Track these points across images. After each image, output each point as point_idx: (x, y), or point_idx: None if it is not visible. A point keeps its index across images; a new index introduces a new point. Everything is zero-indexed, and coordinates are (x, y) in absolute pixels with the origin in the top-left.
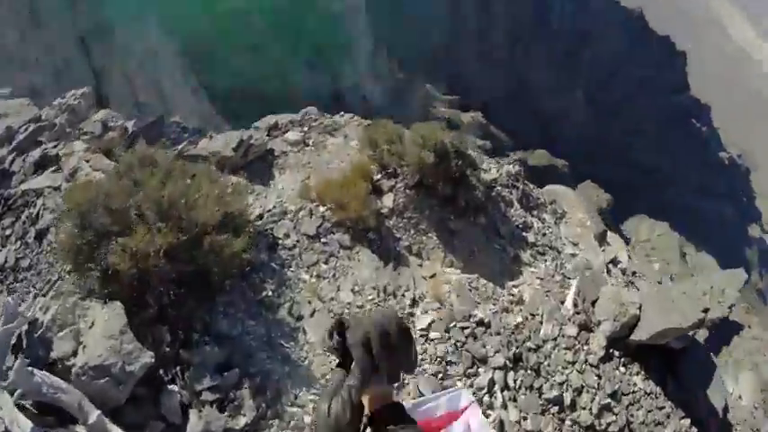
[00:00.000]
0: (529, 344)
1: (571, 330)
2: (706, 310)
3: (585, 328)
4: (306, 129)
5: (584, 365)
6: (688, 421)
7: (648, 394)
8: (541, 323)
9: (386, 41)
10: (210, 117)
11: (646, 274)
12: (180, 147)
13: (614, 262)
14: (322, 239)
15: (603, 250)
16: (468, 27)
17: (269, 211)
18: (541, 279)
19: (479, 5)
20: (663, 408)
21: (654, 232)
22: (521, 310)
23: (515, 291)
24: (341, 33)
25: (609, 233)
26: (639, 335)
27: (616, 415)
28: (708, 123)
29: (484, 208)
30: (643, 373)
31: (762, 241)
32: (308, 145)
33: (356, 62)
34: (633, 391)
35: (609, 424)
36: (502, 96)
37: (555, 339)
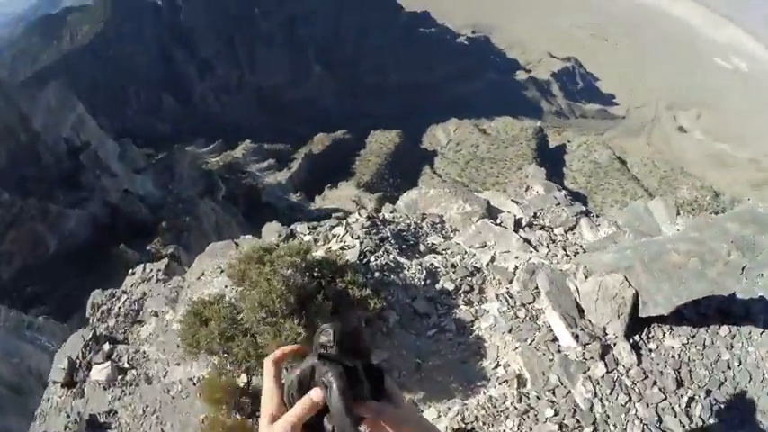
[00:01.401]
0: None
1: (599, 370)
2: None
3: (605, 351)
4: (109, 343)
5: (636, 388)
6: (726, 329)
7: (687, 344)
8: (570, 392)
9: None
10: None
11: (532, 203)
12: None
13: (517, 223)
14: None
15: (500, 223)
16: (179, 71)
17: None
18: (509, 332)
19: (173, 45)
20: (704, 340)
21: (450, 131)
22: (537, 396)
23: (502, 371)
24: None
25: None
26: (654, 310)
27: (688, 395)
28: (433, 24)
29: (385, 305)
30: (666, 326)
31: (532, 79)
32: (126, 374)
33: (95, 172)
34: (676, 357)
35: (699, 412)
36: (248, 113)
37: (595, 395)
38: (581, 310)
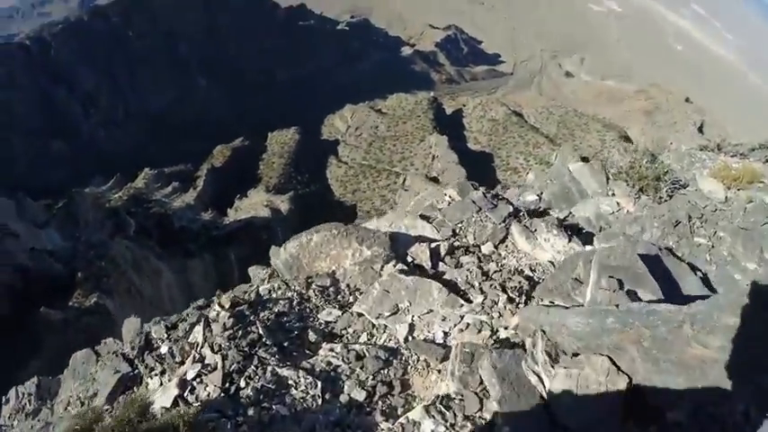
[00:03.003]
0: None
1: None
2: None
3: None
4: None
5: None
6: None
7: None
8: None
9: None
10: None
11: (447, 216)
12: None
13: (434, 254)
14: None
15: (413, 261)
16: (61, 112)
17: None
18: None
19: (50, 85)
20: None
21: (347, 118)
22: None
23: None
24: None
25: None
26: (653, 400)
27: None
28: (312, 16)
29: None
30: None
31: (418, 52)
32: None
33: None
34: None
35: None
36: (142, 141)
37: None
38: (551, 415)
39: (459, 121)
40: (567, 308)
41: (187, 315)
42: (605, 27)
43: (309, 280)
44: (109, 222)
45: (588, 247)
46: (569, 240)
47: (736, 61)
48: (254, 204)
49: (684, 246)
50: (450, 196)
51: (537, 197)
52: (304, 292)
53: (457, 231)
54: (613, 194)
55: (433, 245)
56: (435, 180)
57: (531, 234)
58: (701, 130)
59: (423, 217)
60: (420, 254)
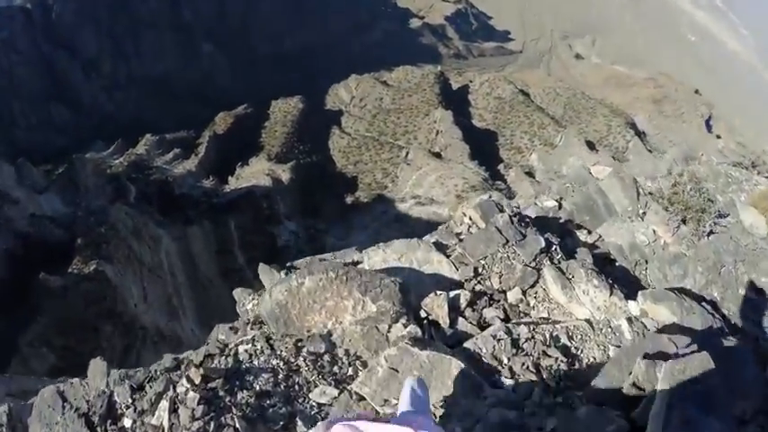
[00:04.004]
0: None
1: None
2: None
3: None
4: None
5: None
6: None
7: None
8: None
9: None
10: None
11: (468, 249)
12: None
13: (453, 307)
14: None
15: (428, 317)
16: (63, 76)
17: None
18: None
19: (52, 49)
20: None
21: (352, 88)
22: None
23: None
24: None
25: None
26: None
27: None
28: None
29: None
30: None
31: (427, 25)
32: None
33: None
34: None
35: None
36: (144, 106)
37: None
38: None
39: (464, 97)
40: None
41: (156, 373)
42: (620, 11)
43: (299, 344)
44: (109, 188)
45: (631, 304)
46: (611, 294)
47: (751, 58)
48: (255, 173)
49: (730, 299)
50: (470, 218)
51: (556, 203)
52: (292, 360)
53: (479, 270)
54: (644, 214)
55: (452, 294)
56: (438, 155)
57: (567, 282)
58: (708, 122)
59: (438, 247)
60: (436, 308)
